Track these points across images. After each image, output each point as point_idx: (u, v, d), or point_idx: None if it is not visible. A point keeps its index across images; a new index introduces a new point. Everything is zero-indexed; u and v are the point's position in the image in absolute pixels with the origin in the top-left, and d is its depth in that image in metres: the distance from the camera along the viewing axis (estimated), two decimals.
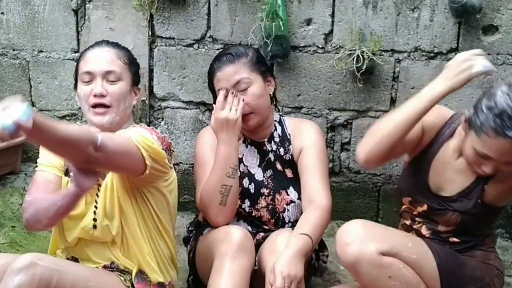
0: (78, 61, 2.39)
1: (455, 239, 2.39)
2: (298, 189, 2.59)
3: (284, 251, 2.25)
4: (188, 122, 3.47)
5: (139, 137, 2.11)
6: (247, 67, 2.52)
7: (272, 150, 2.63)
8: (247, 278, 2.29)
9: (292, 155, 2.63)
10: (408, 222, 2.48)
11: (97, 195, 2.25)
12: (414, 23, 3.21)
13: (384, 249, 2.21)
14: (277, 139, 2.64)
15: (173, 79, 3.41)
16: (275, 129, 2.65)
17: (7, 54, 3.52)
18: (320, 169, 2.56)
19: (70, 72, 3.46)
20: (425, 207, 2.39)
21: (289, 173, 2.63)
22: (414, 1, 3.18)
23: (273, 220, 2.60)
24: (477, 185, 2.31)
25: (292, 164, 2.63)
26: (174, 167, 3.45)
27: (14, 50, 3.51)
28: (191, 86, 3.41)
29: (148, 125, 3.45)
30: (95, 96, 2.23)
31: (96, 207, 2.24)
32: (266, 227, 2.59)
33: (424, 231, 2.44)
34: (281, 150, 2.63)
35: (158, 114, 3.48)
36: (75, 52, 3.45)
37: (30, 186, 2.30)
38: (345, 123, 3.38)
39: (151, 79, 3.44)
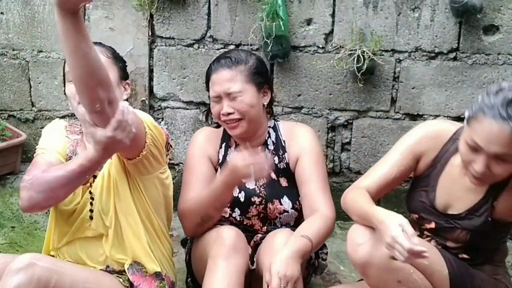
0: (64, 64, 2.36)
1: (465, 256, 2.34)
2: (292, 198, 2.54)
3: (282, 251, 2.23)
4: (188, 122, 3.46)
5: (144, 115, 2.16)
6: (243, 76, 2.44)
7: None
8: (241, 278, 2.27)
9: (287, 164, 2.57)
10: (417, 234, 2.43)
11: (91, 185, 2.24)
12: (414, 23, 3.20)
13: None
14: (271, 147, 2.58)
15: (173, 79, 3.41)
16: (269, 136, 2.60)
17: (6, 54, 3.52)
18: (319, 177, 2.50)
19: None
20: (432, 225, 2.34)
21: (284, 182, 2.57)
22: (415, 1, 3.17)
23: (265, 227, 2.56)
24: (486, 201, 2.24)
25: (287, 172, 2.57)
26: (174, 167, 3.48)
27: (13, 50, 3.51)
28: (191, 86, 3.40)
29: None
30: None
31: (92, 198, 2.24)
32: (260, 233, 2.56)
33: (434, 244, 2.39)
34: (276, 158, 2.57)
35: (158, 114, 3.48)
36: None
37: (29, 168, 2.24)
38: (346, 123, 3.37)
39: (151, 79, 3.43)
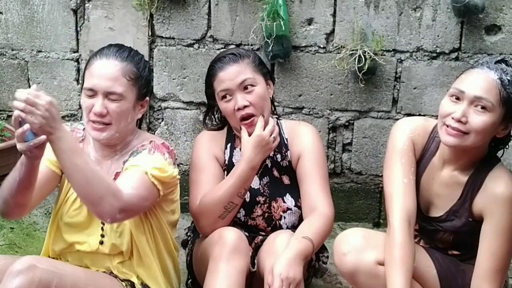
0: (86, 65, 2.24)
1: (454, 252, 2.36)
2: (295, 196, 2.54)
3: (284, 253, 2.22)
4: (189, 122, 3.44)
5: (152, 170, 2.10)
6: (251, 67, 2.44)
7: (269, 157, 2.55)
8: (242, 280, 2.26)
9: (289, 161, 2.56)
10: None
11: None
12: (416, 23, 3.19)
13: (382, 258, 2.18)
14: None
15: (173, 79, 3.39)
16: None
17: (5, 54, 3.49)
18: (320, 175, 2.50)
19: (69, 72, 3.44)
20: (416, 226, 2.35)
21: (286, 179, 2.57)
22: (416, 1, 3.16)
23: (270, 228, 2.55)
24: (464, 202, 2.25)
25: (289, 170, 2.57)
26: None
27: (13, 50, 3.49)
28: (192, 86, 3.38)
29: (148, 126, 3.43)
30: (94, 114, 2.15)
31: (103, 223, 2.19)
32: (263, 233, 2.55)
33: (423, 244, 2.42)
34: (278, 156, 2.56)
35: (158, 115, 3.46)
36: (74, 52, 3.43)
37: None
38: (347, 123, 3.36)
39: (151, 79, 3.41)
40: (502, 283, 2.22)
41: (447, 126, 2.12)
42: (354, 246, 2.21)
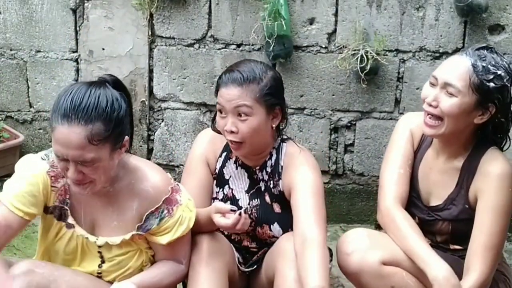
0: (51, 126, 1.94)
1: (456, 246, 2.36)
2: (284, 225, 2.38)
3: None
4: (189, 123, 3.42)
5: (190, 225, 2.18)
6: (254, 95, 2.23)
7: (263, 180, 2.43)
8: (225, 281, 2.26)
9: (280, 191, 2.40)
10: None
11: (99, 251, 2.16)
12: (419, 23, 3.16)
13: (386, 258, 2.19)
14: (268, 169, 2.42)
15: (174, 79, 3.37)
16: (270, 158, 2.42)
17: (4, 54, 3.47)
18: (314, 205, 2.28)
19: (68, 72, 3.42)
20: (416, 219, 2.35)
21: (277, 207, 2.42)
22: (419, 0, 3.14)
23: (254, 243, 2.47)
24: (461, 188, 2.27)
25: (281, 199, 2.41)
26: (174, 169, 3.46)
27: (11, 50, 3.46)
28: (192, 86, 3.36)
29: (148, 127, 3.42)
30: (71, 180, 1.97)
31: (102, 261, 2.18)
32: (254, 249, 2.48)
33: None
34: (271, 182, 2.43)
35: (158, 115, 3.44)
36: (73, 52, 3.40)
37: None
38: (349, 124, 3.34)
39: (151, 79, 3.39)
40: (495, 262, 2.21)
41: (427, 114, 2.21)
42: (359, 246, 2.21)
